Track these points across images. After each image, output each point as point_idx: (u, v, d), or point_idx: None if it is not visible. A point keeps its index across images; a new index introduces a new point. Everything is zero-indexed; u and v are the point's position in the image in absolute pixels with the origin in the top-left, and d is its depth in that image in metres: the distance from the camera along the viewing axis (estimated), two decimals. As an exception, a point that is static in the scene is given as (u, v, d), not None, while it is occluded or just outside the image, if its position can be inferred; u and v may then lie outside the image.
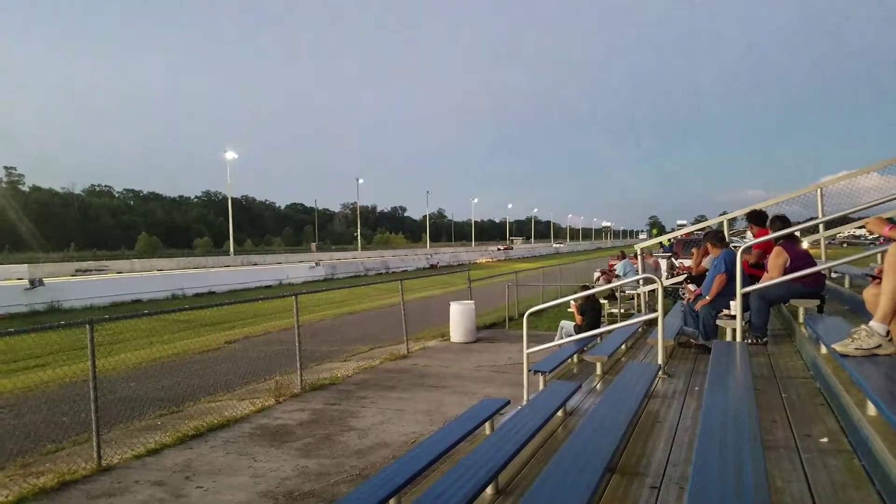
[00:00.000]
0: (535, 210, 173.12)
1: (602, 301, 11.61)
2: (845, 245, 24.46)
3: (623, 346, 6.38)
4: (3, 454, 5.71)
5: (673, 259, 16.13)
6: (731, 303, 5.22)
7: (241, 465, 5.38)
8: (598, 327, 8.15)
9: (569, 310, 9.58)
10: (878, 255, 5.31)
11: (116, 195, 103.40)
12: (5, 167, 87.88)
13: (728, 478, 2.03)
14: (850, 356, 2.96)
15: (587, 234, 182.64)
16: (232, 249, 53.52)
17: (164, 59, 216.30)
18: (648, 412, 3.93)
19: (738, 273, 4.85)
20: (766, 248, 6.04)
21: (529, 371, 5.46)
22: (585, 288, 10.33)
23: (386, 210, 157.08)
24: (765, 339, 5.37)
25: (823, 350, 3.85)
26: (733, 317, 5.08)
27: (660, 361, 4.92)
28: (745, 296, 5.03)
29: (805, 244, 6.56)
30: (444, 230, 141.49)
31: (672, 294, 11.25)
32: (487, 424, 4.17)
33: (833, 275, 7.04)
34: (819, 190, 7.85)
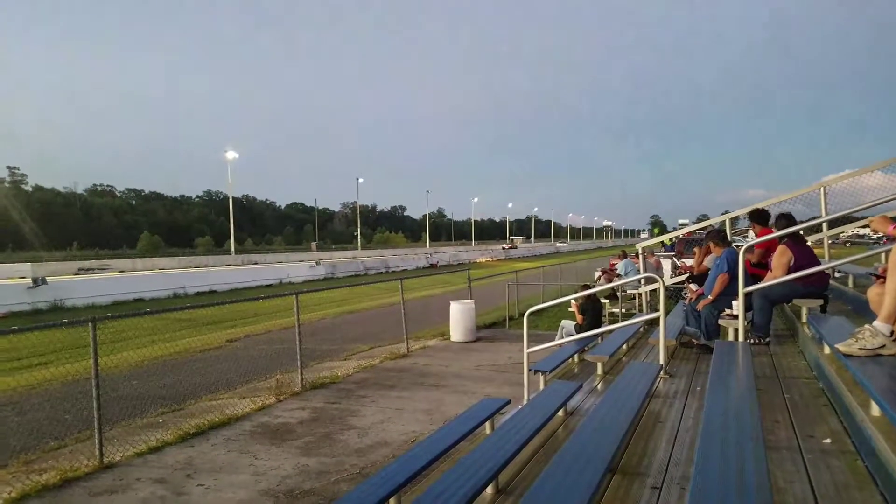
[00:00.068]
0: (536, 209, 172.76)
1: (603, 300, 11.59)
2: (848, 244, 24.38)
3: (624, 346, 6.36)
4: (6, 451, 5.71)
5: (676, 259, 16.11)
6: (734, 302, 5.20)
7: (242, 463, 5.38)
8: (599, 327, 8.13)
9: (569, 309, 9.56)
10: (882, 255, 5.28)
11: (118, 195, 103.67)
12: (8, 167, 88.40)
13: (730, 478, 2.01)
14: (854, 356, 2.94)
15: (588, 233, 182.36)
16: (233, 248, 53.60)
17: (164, 59, 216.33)
18: (650, 412, 3.92)
19: (741, 272, 4.83)
20: (768, 248, 6.02)
21: (530, 371, 5.45)
22: (586, 287, 10.31)
23: (386, 209, 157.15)
24: (767, 339, 5.35)
25: (827, 350, 3.84)
26: (735, 316, 5.06)
27: (661, 361, 4.90)
28: (748, 295, 5.01)
29: (808, 243, 6.53)
30: (444, 229, 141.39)
31: (674, 294, 11.23)
32: (488, 424, 4.16)
33: (836, 274, 7.01)
34: (822, 189, 7.81)
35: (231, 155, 49.41)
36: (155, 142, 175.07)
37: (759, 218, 6.37)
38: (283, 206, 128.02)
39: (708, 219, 27.28)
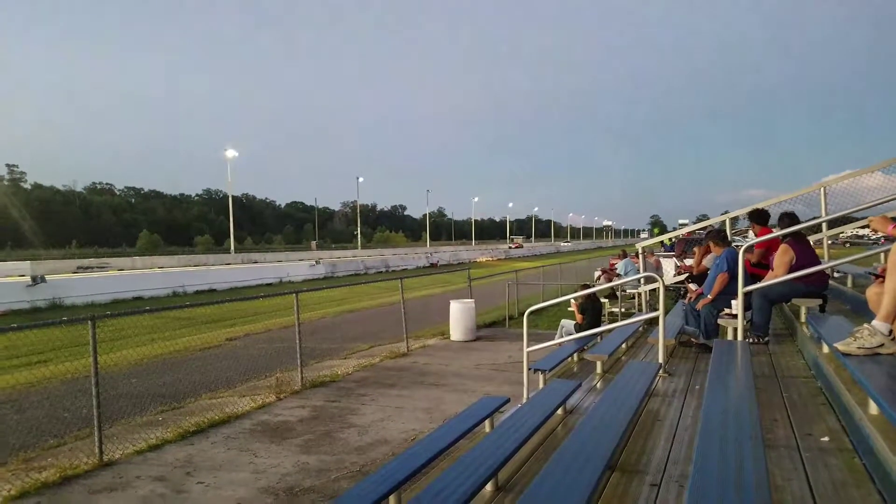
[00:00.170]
0: (536, 209, 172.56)
1: (603, 300, 11.60)
2: (848, 245, 24.39)
3: (623, 345, 6.37)
4: (5, 449, 5.72)
5: (677, 260, 16.14)
6: (733, 302, 5.21)
7: (241, 461, 5.39)
8: (599, 326, 8.14)
9: (569, 308, 9.58)
10: (882, 255, 5.30)
11: (117, 193, 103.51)
12: (7, 165, 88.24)
13: (728, 476, 2.02)
14: (853, 355, 2.95)
15: (588, 232, 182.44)
16: (233, 247, 53.56)
17: (164, 59, 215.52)
18: (649, 410, 3.93)
19: (740, 272, 4.84)
20: (768, 247, 6.04)
21: (529, 369, 5.46)
22: (586, 286, 10.33)
23: (386, 209, 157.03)
24: (766, 339, 5.36)
25: (825, 349, 3.85)
26: (735, 316, 5.07)
27: (660, 360, 4.91)
28: (747, 295, 5.02)
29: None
30: (445, 229, 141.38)
31: (675, 297, 11.24)
32: (487, 422, 4.17)
33: (836, 274, 7.02)
34: (822, 189, 7.82)
35: (231, 153, 49.38)
36: (155, 141, 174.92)
37: (758, 218, 6.38)
38: (282, 205, 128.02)
39: (708, 219, 27.29)
